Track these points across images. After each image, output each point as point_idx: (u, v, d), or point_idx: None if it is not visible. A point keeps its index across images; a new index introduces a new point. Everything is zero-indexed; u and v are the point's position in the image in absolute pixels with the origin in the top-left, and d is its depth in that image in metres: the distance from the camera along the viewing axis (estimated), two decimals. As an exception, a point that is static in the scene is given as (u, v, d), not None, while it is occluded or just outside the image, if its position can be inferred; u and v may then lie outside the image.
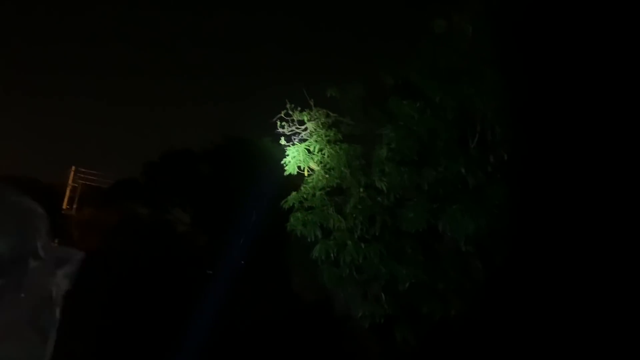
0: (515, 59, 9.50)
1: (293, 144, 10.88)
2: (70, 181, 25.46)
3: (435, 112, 9.31)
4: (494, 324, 8.71)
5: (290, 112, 11.12)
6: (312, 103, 11.15)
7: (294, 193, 10.38)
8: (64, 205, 24.64)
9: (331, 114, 11.30)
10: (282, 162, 10.69)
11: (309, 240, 9.65)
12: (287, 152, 10.72)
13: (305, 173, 10.67)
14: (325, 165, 10.55)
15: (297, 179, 10.97)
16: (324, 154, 10.58)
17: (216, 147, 21.80)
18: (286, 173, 10.69)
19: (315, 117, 11.09)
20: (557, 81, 9.30)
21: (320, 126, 11.05)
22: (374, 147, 10.36)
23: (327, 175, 10.38)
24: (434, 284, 9.29)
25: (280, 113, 11.15)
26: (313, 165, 10.66)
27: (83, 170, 25.21)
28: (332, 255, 9.14)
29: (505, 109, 9.53)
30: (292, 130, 11.10)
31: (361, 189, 9.64)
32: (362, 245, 9.10)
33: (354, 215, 9.40)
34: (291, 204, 10.27)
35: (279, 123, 11.08)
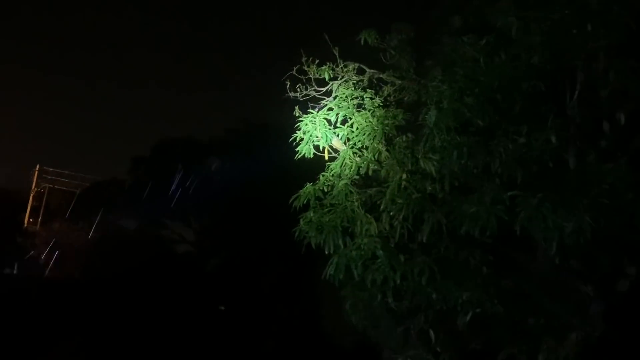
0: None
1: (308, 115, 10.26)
2: (33, 186, 25.51)
3: (513, 54, 8.46)
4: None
5: (306, 69, 10.51)
6: (336, 53, 10.48)
7: (308, 185, 9.78)
8: (26, 219, 24.77)
9: (367, 69, 10.64)
10: (291, 140, 10.09)
11: (326, 252, 8.97)
12: (299, 126, 10.10)
13: (325, 155, 10.04)
14: (354, 144, 9.88)
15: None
16: (351, 127, 9.90)
17: (225, 133, 21.53)
18: (297, 157, 10.08)
19: (341, 73, 10.45)
20: None
21: (351, 87, 10.42)
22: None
23: (356, 157, 9.70)
24: (516, 317, 8.45)
25: (292, 70, 10.60)
26: (336, 144, 10.00)
27: (50, 170, 25.27)
28: (355, 273, 8.41)
29: (628, 47, 8.56)
30: (306, 95, 10.50)
31: (404, 175, 8.87)
32: (402, 258, 8.32)
33: (391, 213, 8.63)
34: (304, 201, 9.64)
35: (288, 84, 10.52)
